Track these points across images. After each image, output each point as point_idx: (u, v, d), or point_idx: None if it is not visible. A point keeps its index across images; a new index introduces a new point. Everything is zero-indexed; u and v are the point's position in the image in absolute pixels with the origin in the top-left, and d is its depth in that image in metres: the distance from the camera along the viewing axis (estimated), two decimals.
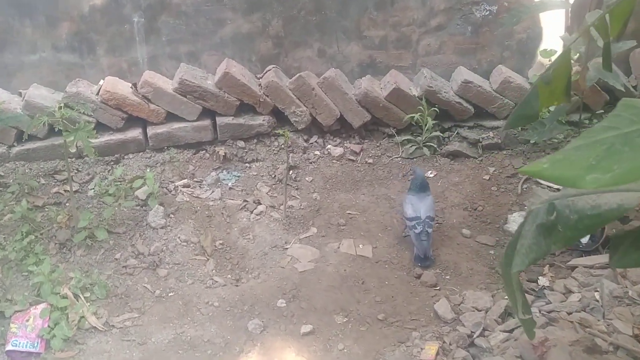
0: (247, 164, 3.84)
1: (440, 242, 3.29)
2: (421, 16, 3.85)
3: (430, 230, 3.11)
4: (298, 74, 3.81)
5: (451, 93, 3.92)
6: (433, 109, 3.85)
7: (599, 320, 2.48)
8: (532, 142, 3.73)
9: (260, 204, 3.55)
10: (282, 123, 3.95)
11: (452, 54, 4.01)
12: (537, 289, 2.94)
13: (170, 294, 3.00)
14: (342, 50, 3.95)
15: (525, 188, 3.69)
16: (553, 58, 3.89)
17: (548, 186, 3.68)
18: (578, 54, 3.07)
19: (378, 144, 4.00)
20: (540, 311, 2.69)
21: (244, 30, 3.81)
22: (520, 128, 3.85)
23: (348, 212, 3.53)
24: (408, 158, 3.92)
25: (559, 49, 3.91)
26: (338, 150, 3.92)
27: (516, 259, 1.58)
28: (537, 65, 4.07)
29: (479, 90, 3.90)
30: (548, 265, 3.09)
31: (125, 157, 3.74)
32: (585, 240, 3.18)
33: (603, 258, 3.00)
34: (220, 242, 3.30)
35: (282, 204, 3.49)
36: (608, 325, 2.43)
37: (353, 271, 3.11)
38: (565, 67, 2.09)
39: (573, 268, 3.03)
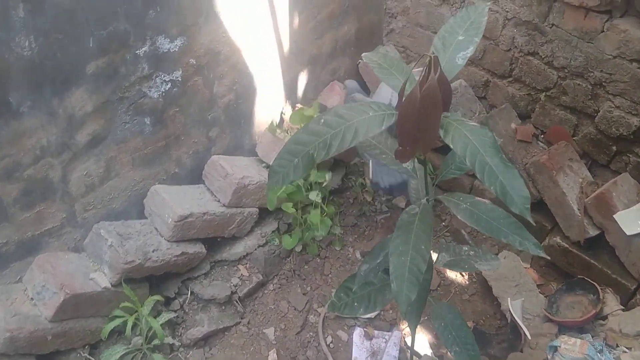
0: None
1: None
2: (55, 137, 1.88)
3: None
4: None
5: (164, 245, 2.16)
6: (152, 297, 2.06)
7: None
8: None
9: None
10: None
11: (133, 169, 2.18)
12: None
13: None
14: None
15: (332, 343, 2.34)
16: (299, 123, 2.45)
17: None
18: None
19: None
20: None
21: None
22: None
23: None
24: None
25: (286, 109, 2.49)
26: None
27: None
28: (264, 137, 2.56)
29: (206, 219, 2.24)
30: None
31: None
32: None
33: None
34: None
35: None
36: None
37: None
38: None
39: None
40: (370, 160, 2.65)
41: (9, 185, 1.83)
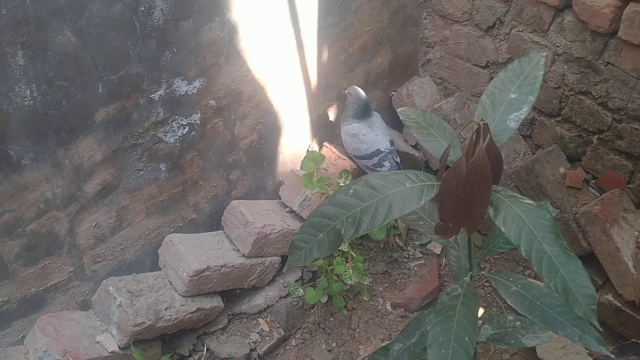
0: None
1: None
2: (61, 189, 1.73)
3: (398, 160, 2.41)
4: None
5: (178, 301, 1.99)
6: (164, 357, 1.90)
7: None
8: None
9: None
10: None
11: (147, 217, 2.03)
12: None
13: None
14: None
15: None
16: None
17: None
18: None
19: None
20: None
21: None
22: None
23: None
24: None
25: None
26: None
27: None
28: (289, 179, 2.39)
29: (224, 271, 2.07)
30: None
31: None
32: None
33: None
34: None
35: None
36: None
37: None
38: None
39: None
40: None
41: (10, 242, 1.69)
